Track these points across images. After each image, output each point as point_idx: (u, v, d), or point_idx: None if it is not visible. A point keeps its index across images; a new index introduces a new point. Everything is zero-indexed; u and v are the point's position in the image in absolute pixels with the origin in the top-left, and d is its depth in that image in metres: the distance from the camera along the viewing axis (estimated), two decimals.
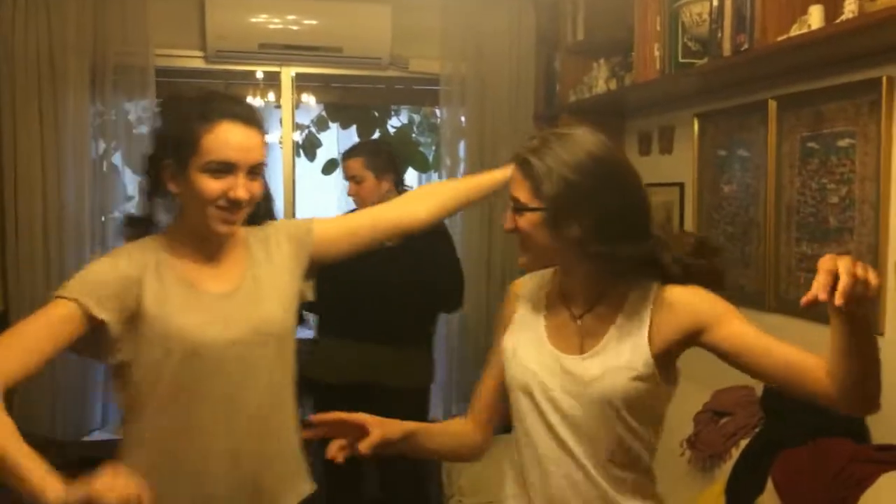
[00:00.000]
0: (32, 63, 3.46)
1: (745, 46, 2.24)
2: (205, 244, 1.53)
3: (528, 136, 1.42)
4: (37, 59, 3.46)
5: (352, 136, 5.30)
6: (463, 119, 3.97)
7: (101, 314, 1.40)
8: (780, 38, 2.13)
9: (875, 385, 1.20)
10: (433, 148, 5.61)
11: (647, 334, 1.35)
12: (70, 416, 3.56)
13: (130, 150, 3.72)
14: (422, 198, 1.82)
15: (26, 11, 3.44)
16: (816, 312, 2.35)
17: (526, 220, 1.35)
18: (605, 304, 1.39)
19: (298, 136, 5.25)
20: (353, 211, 2.77)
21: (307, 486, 1.66)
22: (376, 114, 5.34)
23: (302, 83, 4.06)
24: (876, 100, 2.11)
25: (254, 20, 3.64)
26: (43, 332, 1.38)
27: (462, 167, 4.02)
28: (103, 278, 1.43)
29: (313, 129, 5.56)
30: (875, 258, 2.14)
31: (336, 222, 1.74)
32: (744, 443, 2.34)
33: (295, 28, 3.67)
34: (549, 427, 1.39)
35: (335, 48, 3.71)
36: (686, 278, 1.37)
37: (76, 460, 3.23)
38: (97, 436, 3.61)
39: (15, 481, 1.21)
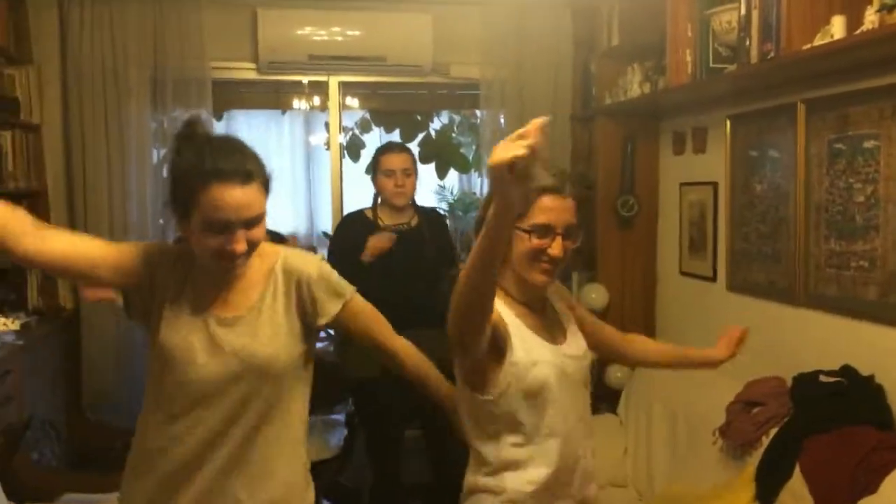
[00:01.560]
0: (98, 77, 3.71)
1: (772, 54, 2.35)
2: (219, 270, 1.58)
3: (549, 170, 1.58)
4: (102, 73, 3.71)
5: (395, 139, 5.48)
6: (502, 120, 4.12)
7: (137, 268, 1.53)
8: (804, 47, 2.24)
9: None
10: (473, 148, 5.77)
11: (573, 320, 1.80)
12: (137, 406, 3.77)
13: None
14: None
15: (92, 29, 3.69)
16: (845, 308, 2.46)
17: (573, 242, 1.65)
18: (548, 303, 1.77)
19: (343, 138, 5.45)
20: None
21: None
22: (419, 117, 5.51)
23: (348, 90, 4.25)
24: None
25: (302, 33, 3.83)
26: (94, 242, 1.53)
27: None
28: (151, 251, 1.57)
29: (357, 132, 5.75)
30: None
31: (368, 318, 1.72)
32: (774, 431, 2.45)
33: (341, 39, 3.86)
34: (561, 414, 1.66)
35: (379, 57, 3.88)
36: None
37: None
38: None
39: None
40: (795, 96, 2.64)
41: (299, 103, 4.99)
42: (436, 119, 5.77)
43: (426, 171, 5.19)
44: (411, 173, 3.18)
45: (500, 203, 1.25)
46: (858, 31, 2.05)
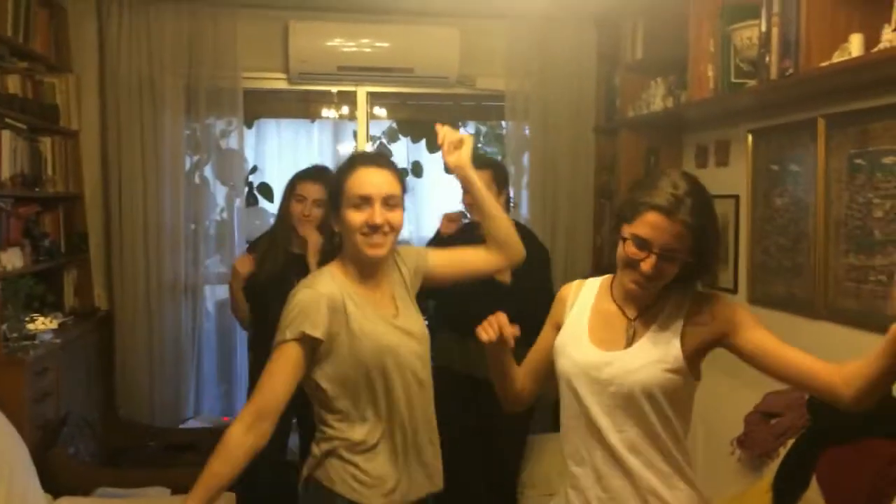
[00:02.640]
0: (135, 85, 3.84)
1: (790, 71, 2.39)
2: (370, 272, 1.87)
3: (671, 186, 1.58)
4: (139, 82, 3.84)
5: (421, 149, 5.56)
6: (527, 131, 4.18)
7: (317, 334, 1.74)
8: (822, 64, 2.28)
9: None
10: (499, 158, 5.81)
11: (679, 334, 1.64)
12: (167, 406, 3.91)
13: (219, 164, 4.06)
14: (500, 249, 2.06)
15: (129, 39, 3.83)
16: (864, 321, 2.48)
17: (672, 265, 1.60)
18: (652, 309, 1.68)
19: (370, 147, 5.54)
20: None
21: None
22: None
23: (376, 100, 4.34)
24: None
25: (332, 44, 3.94)
26: (288, 372, 1.75)
27: (526, 177, 4.23)
28: (312, 305, 1.76)
29: (384, 141, 5.83)
30: None
31: (442, 255, 2.08)
32: (791, 443, 2.47)
33: (369, 51, 3.96)
34: (589, 414, 1.66)
35: (407, 68, 3.98)
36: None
37: (172, 445, 3.59)
38: (190, 424, 3.94)
39: None
40: (815, 112, 2.67)
41: (328, 112, 5.09)
42: (461, 129, 5.84)
43: (451, 181, 5.26)
44: (489, 187, 3.23)
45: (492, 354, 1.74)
46: (875, 50, 2.09)
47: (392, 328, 1.85)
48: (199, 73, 3.88)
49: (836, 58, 2.24)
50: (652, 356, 1.64)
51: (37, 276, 3.34)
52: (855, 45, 2.17)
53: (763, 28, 2.54)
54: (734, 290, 3.29)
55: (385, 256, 1.85)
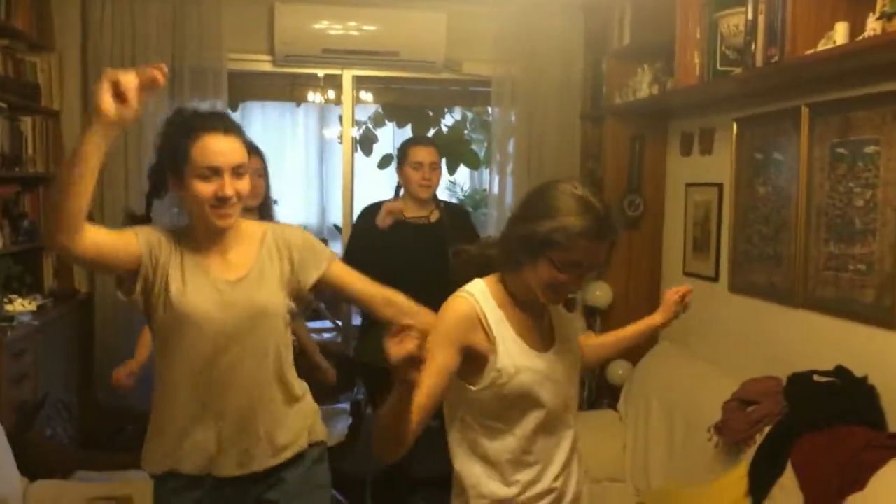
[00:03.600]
0: (118, 65, 3.73)
1: (776, 59, 2.39)
2: (215, 237, 1.83)
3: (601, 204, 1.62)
4: (122, 62, 3.78)
5: (407, 134, 5.54)
6: (513, 117, 4.17)
7: (142, 251, 1.75)
8: (807, 52, 2.28)
9: None
10: (485, 144, 5.82)
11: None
12: (145, 390, 3.86)
13: None
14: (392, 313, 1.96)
15: (113, 18, 3.77)
16: (842, 310, 2.50)
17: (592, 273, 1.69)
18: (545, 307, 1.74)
19: (356, 132, 5.52)
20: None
21: (303, 439, 1.93)
22: (430, 113, 5.57)
23: (362, 84, 4.31)
24: None
25: (318, 27, 3.90)
26: (114, 237, 1.73)
27: (511, 164, 4.22)
28: (150, 232, 1.79)
29: (370, 125, 5.81)
30: (895, 257, 2.28)
31: (343, 273, 1.97)
32: (768, 429, 2.49)
33: (356, 34, 3.93)
34: (548, 420, 1.68)
35: (393, 52, 3.95)
36: None
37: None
38: None
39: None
40: (800, 100, 2.68)
41: (314, 96, 5.06)
42: (448, 115, 5.82)
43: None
44: (437, 167, 3.21)
45: (405, 388, 1.40)
46: (860, 38, 2.09)
47: (215, 293, 1.79)
48: (183, 54, 3.83)
49: (822, 46, 2.24)
50: (573, 349, 1.76)
51: (15, 256, 3.30)
52: (840, 34, 2.17)
53: (749, 15, 2.54)
54: (715, 279, 3.31)
55: (234, 224, 1.82)
